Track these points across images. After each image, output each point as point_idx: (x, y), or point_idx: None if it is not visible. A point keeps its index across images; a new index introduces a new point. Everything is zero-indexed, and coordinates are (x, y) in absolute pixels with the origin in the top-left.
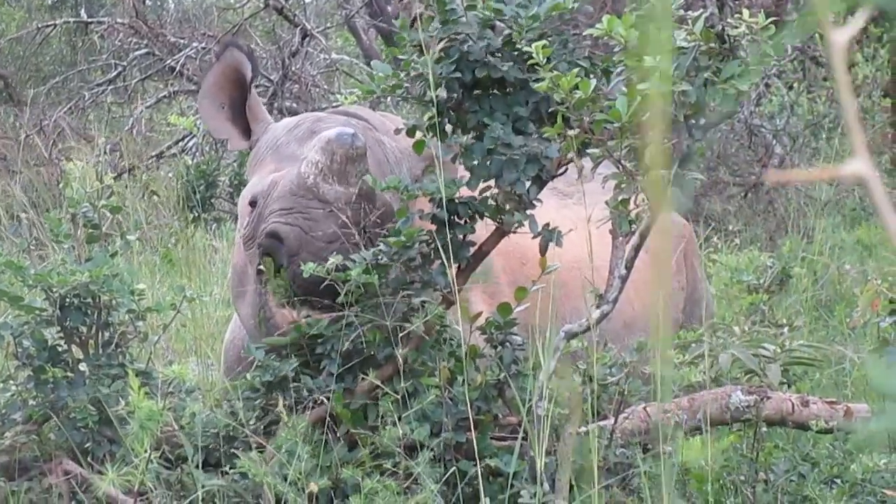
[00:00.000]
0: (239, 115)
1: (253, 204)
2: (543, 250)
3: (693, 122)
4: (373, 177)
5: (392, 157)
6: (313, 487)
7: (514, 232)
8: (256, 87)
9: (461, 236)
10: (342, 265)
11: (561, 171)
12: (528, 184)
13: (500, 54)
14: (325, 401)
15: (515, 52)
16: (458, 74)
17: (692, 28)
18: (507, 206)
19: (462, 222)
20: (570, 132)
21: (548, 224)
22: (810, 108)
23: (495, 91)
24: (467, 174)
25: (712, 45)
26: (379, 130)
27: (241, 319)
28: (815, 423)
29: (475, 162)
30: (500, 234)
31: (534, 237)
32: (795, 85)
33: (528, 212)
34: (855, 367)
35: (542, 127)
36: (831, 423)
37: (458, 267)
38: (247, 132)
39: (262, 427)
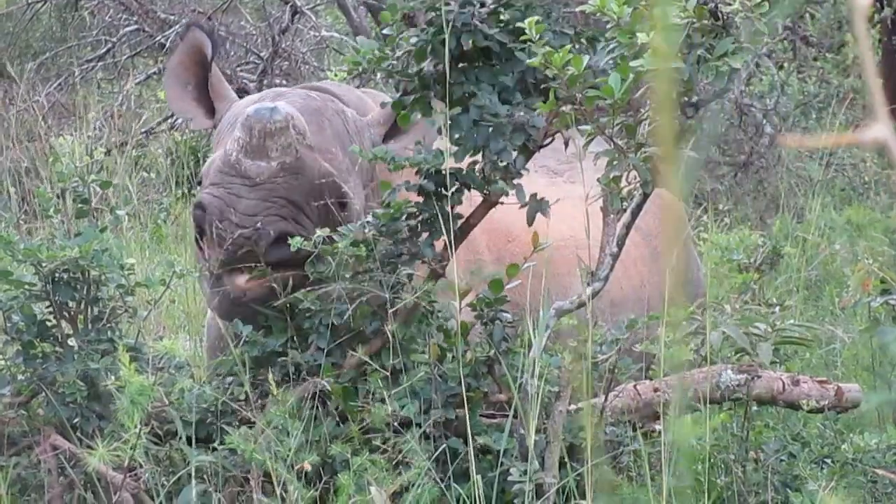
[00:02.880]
0: (203, 94)
1: (199, 182)
2: (531, 220)
3: (685, 99)
4: (360, 148)
5: (352, 127)
6: (305, 466)
7: (502, 203)
8: (246, 63)
9: (448, 208)
10: (328, 237)
11: (547, 141)
12: (514, 153)
13: (485, 24)
14: (313, 376)
15: (501, 24)
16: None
17: (685, 5)
18: (495, 177)
19: (449, 194)
20: (563, 109)
21: (535, 194)
22: (800, 88)
23: (481, 62)
24: (442, 143)
25: (705, 21)
26: (346, 103)
27: (204, 295)
28: (806, 403)
29: (461, 133)
30: (488, 205)
31: (521, 207)
32: (786, 65)
33: (515, 181)
34: (845, 346)
35: (529, 97)
36: (822, 402)
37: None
38: (211, 111)
39: (252, 402)
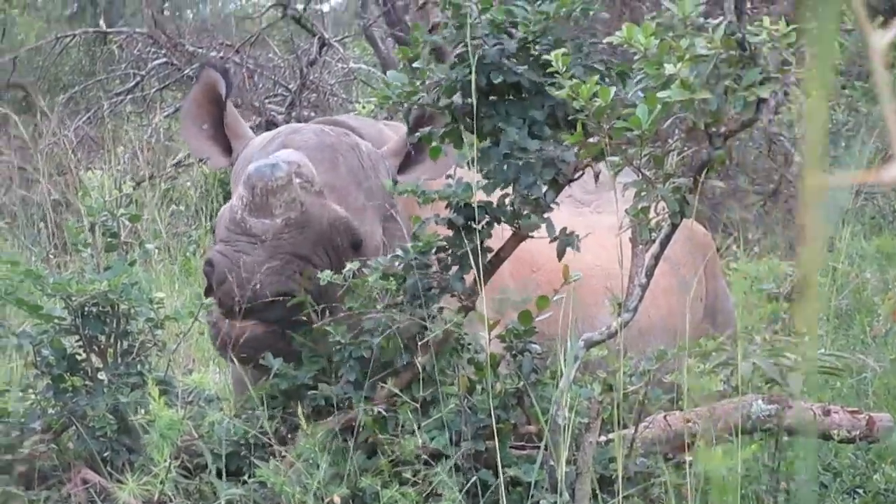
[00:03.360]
0: (220, 133)
1: (214, 232)
2: (561, 255)
3: (714, 130)
4: (390, 181)
5: (367, 161)
6: (336, 500)
7: (531, 237)
8: (275, 95)
9: (478, 241)
10: (358, 271)
11: (578, 175)
12: (544, 188)
13: (514, 59)
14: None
15: (531, 57)
16: (473, 77)
17: (712, 36)
18: (524, 211)
19: (479, 227)
20: (591, 140)
21: (564, 228)
22: (829, 117)
23: (510, 96)
24: (458, 173)
25: (732, 52)
26: (363, 136)
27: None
28: (837, 433)
29: (491, 167)
30: (518, 239)
31: (551, 241)
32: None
33: (545, 215)
34: (877, 376)
35: (559, 131)
36: (853, 432)
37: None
38: (228, 150)
39: (281, 435)
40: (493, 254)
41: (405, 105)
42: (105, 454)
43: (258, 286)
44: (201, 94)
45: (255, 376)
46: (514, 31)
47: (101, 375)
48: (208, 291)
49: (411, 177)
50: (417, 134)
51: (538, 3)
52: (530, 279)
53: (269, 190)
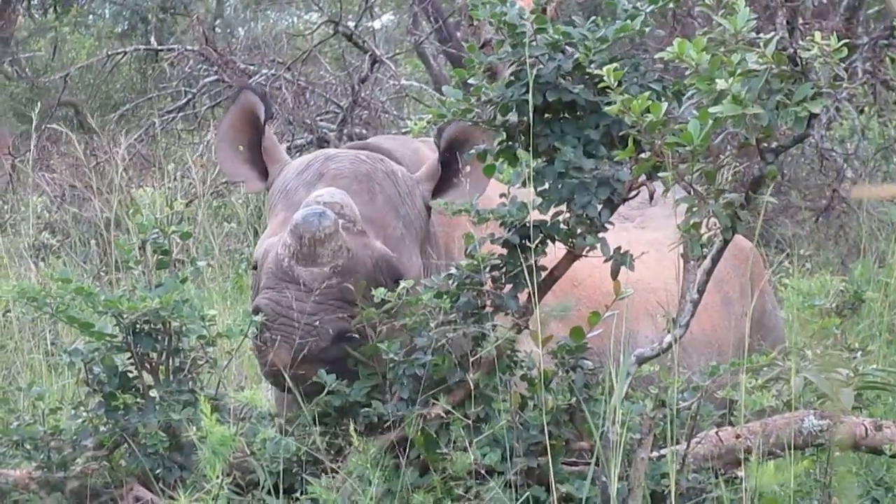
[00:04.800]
0: (257, 156)
1: (255, 267)
2: (615, 274)
3: (765, 145)
4: (444, 202)
5: (403, 188)
6: None
7: (586, 256)
8: (326, 113)
9: (532, 260)
10: (412, 289)
11: (633, 194)
12: (599, 207)
13: (570, 77)
14: (396, 426)
15: (586, 76)
16: (529, 98)
17: (763, 51)
18: (579, 230)
19: (533, 246)
20: (642, 155)
21: (619, 248)
22: (881, 132)
23: (566, 115)
24: (494, 188)
25: (784, 67)
26: (398, 159)
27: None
28: (889, 448)
29: (546, 185)
30: (572, 257)
31: (605, 261)
32: (866, 109)
33: (600, 235)
34: None
35: (614, 150)
36: None
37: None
38: (264, 173)
39: (333, 452)
40: (547, 272)
41: (437, 127)
42: (157, 471)
43: (317, 323)
44: (238, 117)
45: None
46: (569, 49)
47: (153, 393)
48: (259, 338)
49: (449, 201)
50: (472, 152)
51: (596, 25)
52: (571, 294)
53: (317, 240)
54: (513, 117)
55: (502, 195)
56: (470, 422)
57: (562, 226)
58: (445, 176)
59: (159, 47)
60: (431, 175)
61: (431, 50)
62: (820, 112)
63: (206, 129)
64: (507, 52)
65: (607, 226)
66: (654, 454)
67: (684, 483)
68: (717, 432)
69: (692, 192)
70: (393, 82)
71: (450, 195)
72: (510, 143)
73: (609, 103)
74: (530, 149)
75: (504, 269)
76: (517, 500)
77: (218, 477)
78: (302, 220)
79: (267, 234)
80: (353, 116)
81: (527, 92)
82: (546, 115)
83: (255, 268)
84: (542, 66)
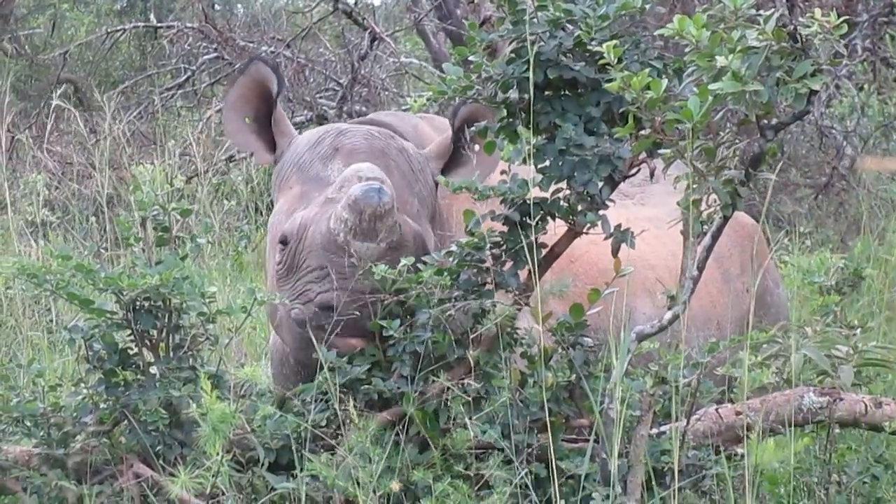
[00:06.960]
0: (264, 128)
1: (283, 242)
2: (615, 251)
3: (765, 122)
4: (445, 179)
5: (415, 165)
6: (395, 487)
7: (587, 233)
8: (326, 90)
9: (533, 237)
10: (413, 267)
11: (634, 171)
12: (600, 184)
13: (570, 55)
14: (396, 402)
15: (587, 53)
16: (530, 75)
17: (764, 28)
18: (580, 207)
19: (534, 223)
20: (642, 132)
21: (619, 225)
22: (881, 110)
23: (567, 92)
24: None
25: (784, 44)
26: (402, 134)
27: (285, 342)
28: (889, 425)
29: (547, 163)
30: (572, 235)
31: (605, 238)
32: (866, 86)
33: (600, 212)
34: None
35: (614, 127)
36: None
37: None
38: (271, 146)
39: (333, 429)
40: (547, 249)
41: (451, 105)
42: (157, 448)
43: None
44: (249, 88)
45: (302, 368)
46: (570, 27)
47: (153, 370)
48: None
49: (454, 179)
50: (472, 129)
51: (597, 2)
52: (568, 269)
53: (377, 215)
54: (513, 94)
55: (503, 172)
56: (470, 399)
57: (562, 203)
58: (454, 156)
59: (158, 24)
60: (442, 153)
61: (431, 27)
62: (820, 89)
63: (206, 107)
64: (508, 29)
65: (608, 203)
66: (654, 431)
67: (684, 460)
68: (717, 409)
69: (692, 169)
70: (393, 60)
71: (459, 174)
72: (511, 120)
73: (609, 80)
74: (531, 126)
75: (504, 247)
76: (517, 476)
77: (218, 454)
78: (362, 195)
79: (282, 207)
80: (353, 94)
81: (527, 69)
82: (547, 93)
83: (283, 242)
84: (542, 43)
